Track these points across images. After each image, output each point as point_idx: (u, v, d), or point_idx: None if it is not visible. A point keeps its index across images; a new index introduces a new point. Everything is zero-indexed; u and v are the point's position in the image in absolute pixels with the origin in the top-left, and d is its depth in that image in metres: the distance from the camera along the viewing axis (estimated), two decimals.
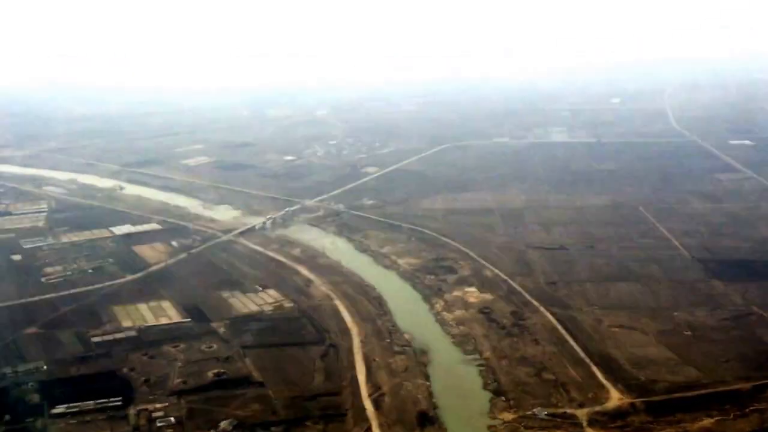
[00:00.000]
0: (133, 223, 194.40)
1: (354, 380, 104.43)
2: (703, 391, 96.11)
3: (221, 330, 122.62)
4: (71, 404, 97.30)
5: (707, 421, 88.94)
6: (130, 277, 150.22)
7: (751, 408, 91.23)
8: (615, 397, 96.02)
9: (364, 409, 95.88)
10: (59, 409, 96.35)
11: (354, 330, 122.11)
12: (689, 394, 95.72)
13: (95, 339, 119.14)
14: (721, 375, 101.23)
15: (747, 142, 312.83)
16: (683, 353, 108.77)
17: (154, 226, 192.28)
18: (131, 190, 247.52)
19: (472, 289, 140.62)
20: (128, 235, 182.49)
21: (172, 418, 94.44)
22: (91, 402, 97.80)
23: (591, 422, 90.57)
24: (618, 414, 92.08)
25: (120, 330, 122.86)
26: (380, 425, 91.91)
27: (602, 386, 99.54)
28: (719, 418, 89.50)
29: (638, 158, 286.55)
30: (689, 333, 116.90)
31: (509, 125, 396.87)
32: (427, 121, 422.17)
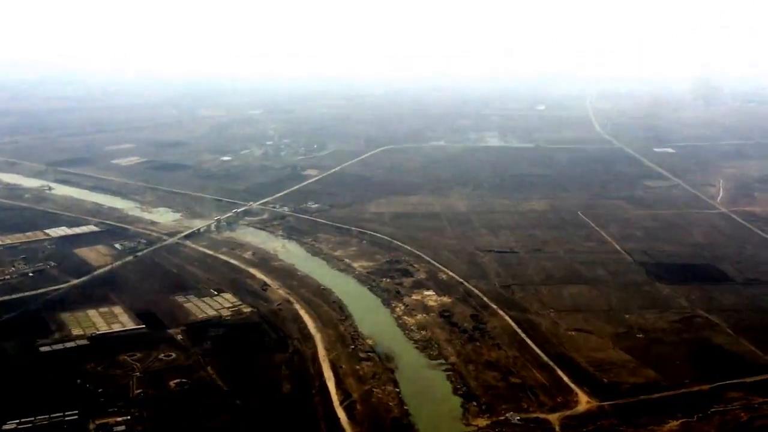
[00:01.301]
0: (69, 225, 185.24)
1: (323, 388, 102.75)
2: (666, 394, 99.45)
3: (179, 337, 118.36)
4: (24, 419, 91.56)
5: (673, 424, 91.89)
6: (75, 282, 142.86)
7: (713, 410, 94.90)
8: (583, 401, 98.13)
9: (337, 418, 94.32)
10: (11, 424, 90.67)
11: (317, 336, 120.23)
12: (654, 396, 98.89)
13: (44, 348, 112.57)
14: (678, 376, 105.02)
15: (669, 150, 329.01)
16: (640, 355, 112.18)
17: (92, 228, 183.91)
18: (61, 190, 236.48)
19: (430, 292, 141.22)
20: (66, 238, 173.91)
21: None
22: (46, 416, 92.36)
23: (563, 427, 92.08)
24: (588, 418, 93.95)
25: (70, 338, 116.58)
26: None
27: (569, 390, 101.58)
28: (684, 420, 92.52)
29: (571, 164, 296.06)
30: (642, 336, 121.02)
31: (443, 129, 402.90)
32: (360, 123, 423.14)
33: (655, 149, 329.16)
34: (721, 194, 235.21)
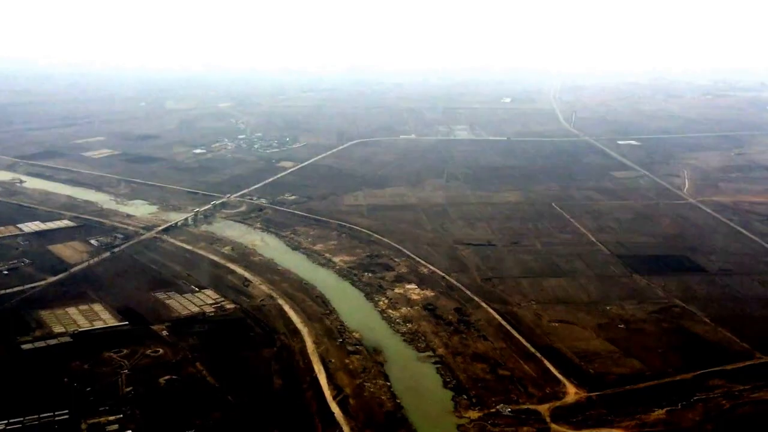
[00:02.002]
0: (43, 220, 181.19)
1: (315, 382, 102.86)
2: (650, 383, 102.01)
3: (164, 333, 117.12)
4: (12, 420, 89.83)
5: (659, 412, 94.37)
6: (51, 279, 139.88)
7: (695, 398, 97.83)
8: (572, 392, 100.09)
9: (332, 413, 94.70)
10: None
11: (304, 330, 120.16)
12: (639, 385, 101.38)
13: (26, 347, 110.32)
14: (660, 366, 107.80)
15: (633, 142, 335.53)
16: (623, 346, 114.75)
17: (66, 222, 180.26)
18: (33, 184, 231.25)
19: (412, 286, 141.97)
20: (39, 233, 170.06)
21: (129, 431, 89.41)
22: (35, 416, 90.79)
23: (554, 417, 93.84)
24: (577, 408, 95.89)
25: (52, 336, 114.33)
26: (352, 429, 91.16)
27: (557, 381, 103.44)
28: (669, 408, 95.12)
29: (541, 156, 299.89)
30: (623, 326, 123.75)
31: (412, 122, 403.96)
32: (330, 117, 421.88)
33: (619, 141, 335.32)
34: (687, 185, 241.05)
